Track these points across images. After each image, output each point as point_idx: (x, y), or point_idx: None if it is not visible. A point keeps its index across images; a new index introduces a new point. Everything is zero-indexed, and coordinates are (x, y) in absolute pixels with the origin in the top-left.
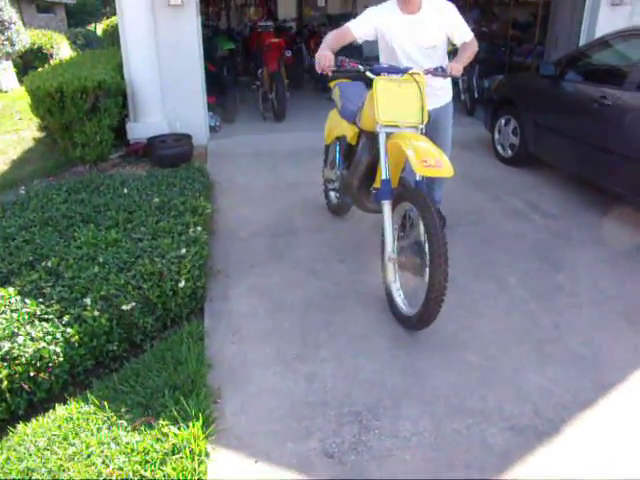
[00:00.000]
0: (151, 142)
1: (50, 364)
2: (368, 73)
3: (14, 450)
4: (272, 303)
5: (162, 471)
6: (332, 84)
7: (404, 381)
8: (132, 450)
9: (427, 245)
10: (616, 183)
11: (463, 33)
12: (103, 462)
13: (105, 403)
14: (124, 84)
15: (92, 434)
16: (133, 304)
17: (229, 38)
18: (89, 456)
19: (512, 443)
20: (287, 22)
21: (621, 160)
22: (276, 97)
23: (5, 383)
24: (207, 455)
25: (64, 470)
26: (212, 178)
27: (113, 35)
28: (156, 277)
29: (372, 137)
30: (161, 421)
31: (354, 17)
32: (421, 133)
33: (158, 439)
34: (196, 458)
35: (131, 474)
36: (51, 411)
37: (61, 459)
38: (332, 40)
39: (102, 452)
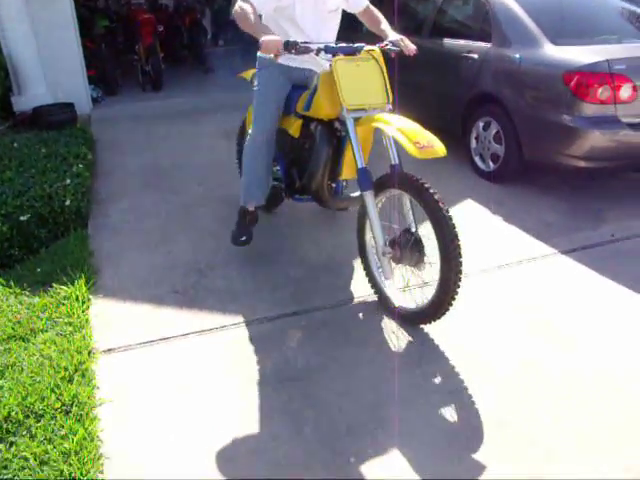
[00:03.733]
0: (37, 111)
1: None
2: (322, 54)
3: None
4: (141, 214)
5: (57, 312)
6: (248, 74)
7: (237, 250)
8: (33, 305)
9: (435, 234)
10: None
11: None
12: (11, 312)
13: (11, 283)
14: (4, 60)
15: (2, 302)
16: (29, 215)
17: (105, 16)
18: (1, 312)
19: (306, 274)
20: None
21: (420, 93)
22: (152, 69)
23: None
24: (89, 300)
25: None
26: (95, 137)
27: None
28: (46, 199)
29: (329, 126)
30: (54, 285)
31: None
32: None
33: (52, 296)
34: (81, 302)
35: (34, 318)
36: None
37: None
38: (255, 19)
39: (10, 309)
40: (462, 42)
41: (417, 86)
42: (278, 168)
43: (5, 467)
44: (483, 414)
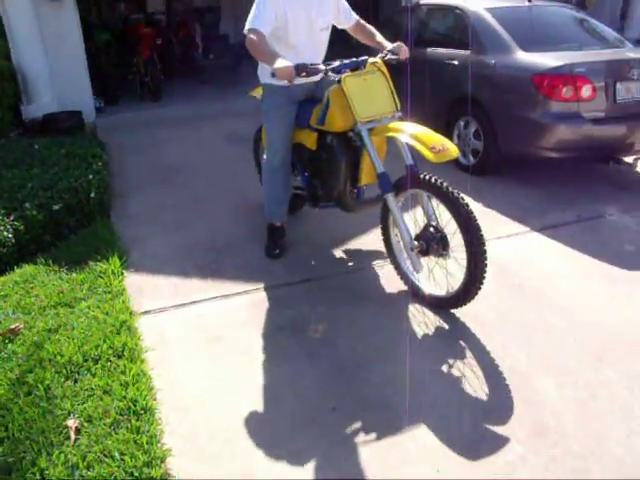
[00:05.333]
0: (47, 118)
1: (6, 244)
2: (331, 73)
3: None
4: (157, 206)
5: (95, 284)
6: (258, 92)
7: (249, 232)
8: (73, 279)
9: (460, 229)
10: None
11: (349, 13)
12: (53, 285)
13: (50, 262)
14: (14, 69)
15: (44, 278)
16: (61, 204)
17: (105, 30)
18: (44, 285)
19: (313, 251)
20: (157, 15)
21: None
22: (151, 80)
23: None
24: (123, 274)
25: (29, 292)
26: (104, 142)
27: None
28: (73, 191)
29: (344, 137)
30: (90, 263)
31: (219, 10)
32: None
33: (88, 272)
34: (117, 275)
35: (75, 289)
36: (10, 272)
37: (26, 289)
38: (268, 48)
39: (52, 282)
40: (444, 50)
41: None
42: (299, 178)
43: (75, 396)
44: (471, 349)
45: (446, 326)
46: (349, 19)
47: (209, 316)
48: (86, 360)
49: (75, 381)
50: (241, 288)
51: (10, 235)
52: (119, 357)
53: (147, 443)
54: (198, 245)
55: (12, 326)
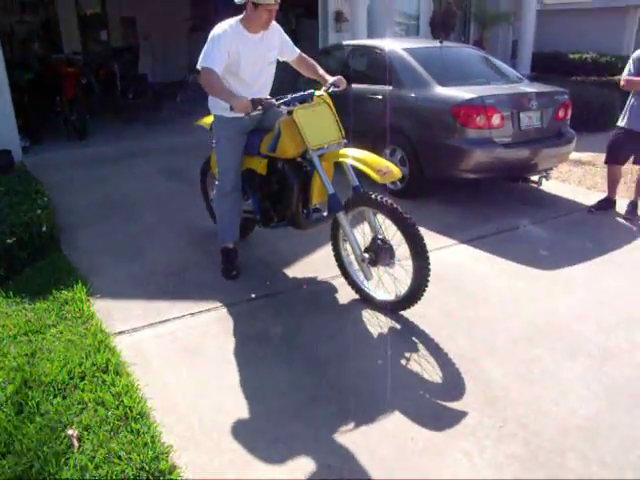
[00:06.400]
0: None
1: None
2: (283, 107)
3: None
4: (107, 238)
5: (63, 311)
6: (207, 123)
7: (204, 256)
8: (38, 309)
9: (405, 239)
10: None
11: (292, 47)
12: (17, 316)
13: (10, 294)
14: None
15: (7, 310)
16: (14, 238)
17: (27, 69)
18: (9, 316)
19: (266, 269)
20: (77, 55)
21: None
22: (77, 119)
23: None
24: (89, 300)
25: None
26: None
27: None
28: (24, 226)
29: (294, 162)
30: (53, 292)
31: (137, 49)
32: (344, 146)
33: (52, 301)
34: (83, 302)
35: (42, 317)
36: None
37: None
38: (223, 85)
39: (16, 313)
40: (368, 86)
41: None
42: (250, 202)
43: (68, 410)
44: (423, 342)
45: (398, 326)
46: (292, 52)
47: (181, 332)
48: (72, 378)
49: (64, 397)
50: (206, 306)
51: None
52: (104, 372)
53: (150, 442)
54: (156, 271)
55: None
